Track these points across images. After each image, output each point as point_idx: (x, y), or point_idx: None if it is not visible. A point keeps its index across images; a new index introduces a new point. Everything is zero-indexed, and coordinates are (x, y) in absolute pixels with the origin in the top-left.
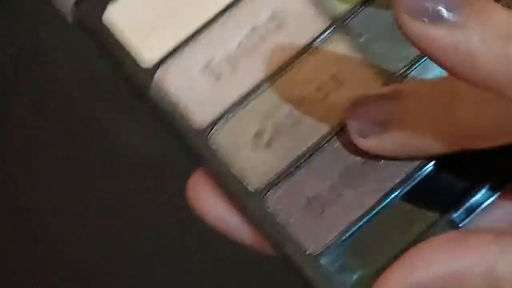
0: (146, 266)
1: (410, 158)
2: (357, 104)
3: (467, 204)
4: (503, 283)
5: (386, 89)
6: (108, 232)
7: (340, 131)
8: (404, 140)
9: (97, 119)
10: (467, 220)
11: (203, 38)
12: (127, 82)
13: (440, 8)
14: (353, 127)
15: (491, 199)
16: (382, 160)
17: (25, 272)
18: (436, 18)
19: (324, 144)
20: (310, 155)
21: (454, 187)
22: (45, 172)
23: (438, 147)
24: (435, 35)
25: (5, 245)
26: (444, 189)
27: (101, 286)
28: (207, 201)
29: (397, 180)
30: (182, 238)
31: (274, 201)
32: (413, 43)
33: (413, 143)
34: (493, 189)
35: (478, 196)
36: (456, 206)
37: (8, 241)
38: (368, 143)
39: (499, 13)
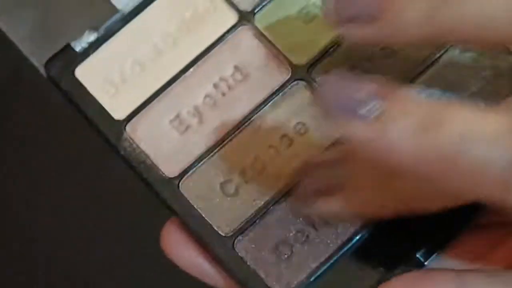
0: (146, 267)
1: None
2: (305, 170)
3: (431, 243)
4: None
5: (332, 154)
6: (108, 232)
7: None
8: (349, 206)
9: None
10: (431, 257)
11: (171, 92)
12: (99, 133)
13: (361, 104)
14: (301, 193)
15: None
16: None
17: (24, 272)
18: (357, 114)
19: (290, 190)
20: (278, 201)
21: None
22: (45, 172)
23: (380, 213)
24: (357, 129)
25: (5, 245)
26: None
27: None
28: (180, 249)
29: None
30: None
31: (244, 246)
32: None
33: (357, 209)
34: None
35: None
36: (421, 244)
37: (7, 241)
38: (316, 209)
39: (417, 104)
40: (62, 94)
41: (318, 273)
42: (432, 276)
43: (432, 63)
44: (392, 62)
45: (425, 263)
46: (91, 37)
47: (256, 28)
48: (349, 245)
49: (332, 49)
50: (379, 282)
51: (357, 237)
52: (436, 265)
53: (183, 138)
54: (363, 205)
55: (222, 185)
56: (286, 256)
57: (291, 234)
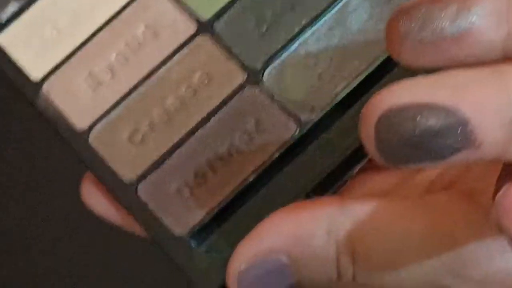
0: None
1: None
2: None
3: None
4: (344, 238)
5: None
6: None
7: (207, 122)
8: None
9: None
10: None
11: (85, 51)
12: (20, 95)
13: None
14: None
15: None
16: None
17: (24, 272)
18: None
19: (192, 136)
20: (179, 146)
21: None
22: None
23: None
24: None
25: (5, 245)
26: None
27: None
28: (95, 198)
29: (257, 165)
30: None
31: (146, 191)
32: None
33: None
34: None
35: None
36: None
37: (6, 241)
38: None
39: None
40: None
41: (215, 212)
42: (314, 203)
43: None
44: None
45: None
46: (14, 6)
47: None
48: (245, 185)
49: (235, 2)
50: None
51: (252, 179)
52: None
53: (95, 94)
54: None
55: (130, 135)
56: (186, 198)
57: (191, 177)
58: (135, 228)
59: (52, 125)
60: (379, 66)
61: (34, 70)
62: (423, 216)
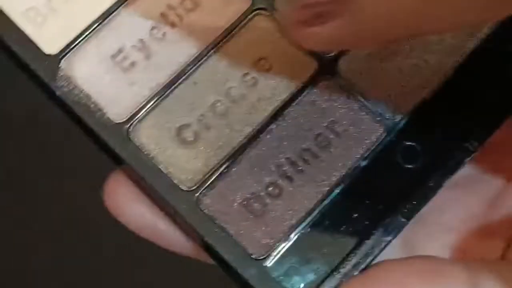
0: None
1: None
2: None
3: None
4: None
5: None
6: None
7: (277, 120)
8: (353, 26)
9: None
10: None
11: (112, 22)
12: (28, 72)
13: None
14: (293, 17)
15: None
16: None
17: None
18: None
19: (261, 136)
20: (245, 149)
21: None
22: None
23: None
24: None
25: (5, 246)
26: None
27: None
28: (129, 206)
29: (340, 174)
30: None
31: (210, 202)
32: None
33: (362, 29)
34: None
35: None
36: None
37: (7, 241)
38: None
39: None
40: None
41: (298, 230)
42: (443, 271)
43: None
44: None
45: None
46: None
47: None
48: (327, 199)
49: None
50: (363, 234)
51: (339, 188)
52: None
53: (128, 77)
54: (370, 22)
55: (179, 130)
56: (259, 212)
57: (262, 186)
58: (178, 245)
59: (77, 113)
60: None
61: (44, 41)
62: None
